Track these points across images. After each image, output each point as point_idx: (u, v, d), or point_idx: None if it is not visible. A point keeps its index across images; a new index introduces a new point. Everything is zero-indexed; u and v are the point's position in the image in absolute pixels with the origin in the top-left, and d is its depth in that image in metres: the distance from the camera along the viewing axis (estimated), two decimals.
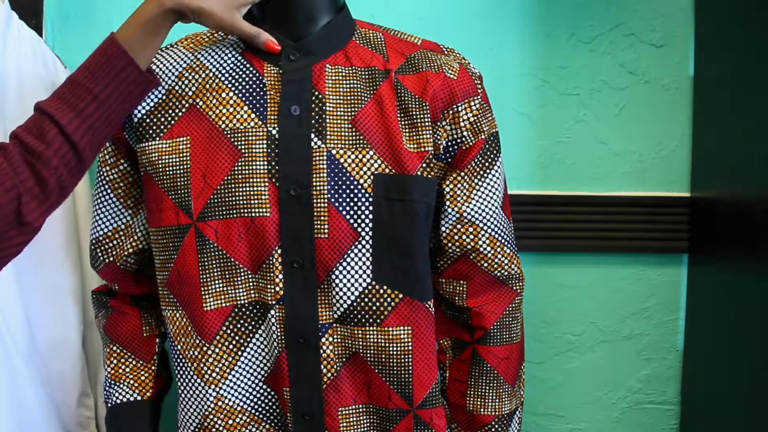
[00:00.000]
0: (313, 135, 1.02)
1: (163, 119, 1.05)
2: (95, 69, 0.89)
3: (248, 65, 1.05)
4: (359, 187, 1.01)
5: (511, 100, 1.48)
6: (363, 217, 1.02)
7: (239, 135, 1.02)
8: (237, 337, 1.05)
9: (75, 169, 0.90)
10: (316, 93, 1.03)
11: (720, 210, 1.37)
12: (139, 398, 1.15)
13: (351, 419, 1.06)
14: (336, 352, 1.04)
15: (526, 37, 1.47)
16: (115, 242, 1.13)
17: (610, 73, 1.48)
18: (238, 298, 1.04)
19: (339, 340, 1.04)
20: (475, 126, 1.07)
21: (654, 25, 1.47)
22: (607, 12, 1.47)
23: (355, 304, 1.03)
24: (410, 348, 1.06)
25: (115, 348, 1.16)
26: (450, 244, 1.09)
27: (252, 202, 1.01)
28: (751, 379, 1.24)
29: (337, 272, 1.02)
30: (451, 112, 1.06)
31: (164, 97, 1.06)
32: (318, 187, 1.01)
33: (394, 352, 1.05)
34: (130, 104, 0.92)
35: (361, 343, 1.04)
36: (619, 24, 1.47)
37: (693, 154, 1.49)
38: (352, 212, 1.02)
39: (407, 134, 1.04)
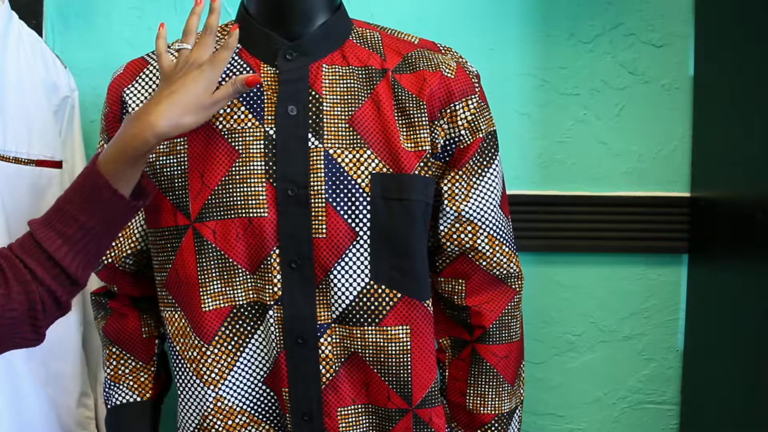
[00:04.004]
0: (310, 135, 1.02)
1: None
2: (80, 199, 0.89)
3: (245, 65, 1.05)
4: (357, 186, 1.02)
5: (511, 100, 1.48)
6: (361, 216, 1.02)
7: (236, 135, 1.02)
8: (236, 338, 1.05)
9: (71, 289, 0.90)
10: (313, 93, 1.03)
11: (720, 210, 1.37)
12: (138, 399, 1.15)
13: (350, 419, 1.06)
14: (335, 352, 1.04)
15: (526, 37, 1.47)
16: (113, 243, 1.13)
17: (610, 73, 1.48)
18: (236, 299, 1.04)
19: (338, 340, 1.04)
20: (472, 124, 1.07)
21: (654, 25, 1.47)
22: (607, 12, 1.47)
23: (353, 303, 1.03)
24: (409, 347, 1.06)
25: (114, 349, 1.16)
26: (448, 243, 1.09)
27: (250, 202, 1.01)
28: (751, 379, 1.24)
29: (335, 272, 1.02)
30: (448, 110, 1.06)
31: None
32: (316, 187, 1.01)
33: (393, 352, 1.05)
34: (117, 229, 0.92)
35: (359, 342, 1.04)
36: (619, 24, 1.47)
37: (693, 154, 1.49)
38: (350, 212, 1.02)
39: (405, 133, 1.04)
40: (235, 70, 1.05)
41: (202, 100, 0.94)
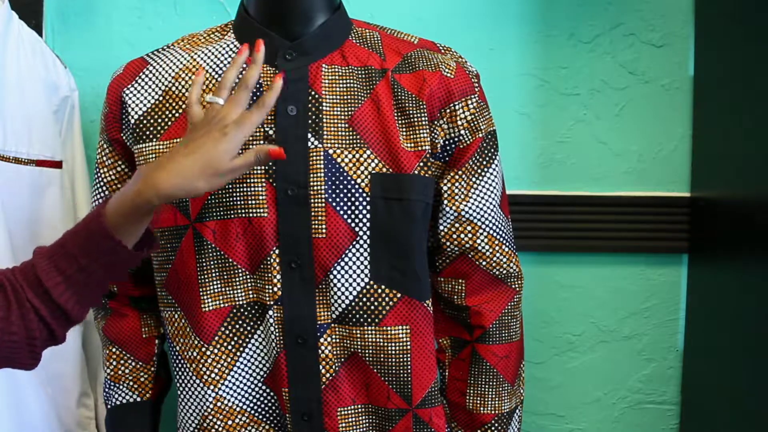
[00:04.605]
0: (310, 135, 1.02)
1: (160, 120, 1.05)
2: (82, 242, 0.87)
3: (244, 65, 1.05)
4: (356, 186, 1.02)
5: (511, 100, 1.48)
6: (360, 216, 1.02)
7: None
8: (235, 338, 1.05)
9: (66, 324, 0.89)
10: (313, 93, 1.03)
11: (720, 210, 1.37)
12: (138, 399, 1.15)
13: (350, 419, 1.06)
14: (334, 352, 1.04)
15: (526, 37, 1.47)
16: None
17: (610, 73, 1.48)
18: (236, 299, 1.04)
19: (337, 340, 1.04)
20: (472, 124, 1.07)
21: (654, 25, 1.47)
22: (607, 12, 1.47)
23: (353, 303, 1.03)
24: (409, 347, 1.06)
25: (114, 349, 1.16)
26: (448, 243, 1.09)
27: (249, 202, 1.01)
28: (751, 378, 1.24)
29: (335, 272, 1.02)
30: (448, 110, 1.06)
31: (161, 99, 1.06)
32: (315, 187, 1.01)
33: (393, 352, 1.05)
34: (120, 273, 0.90)
35: (359, 342, 1.04)
36: (619, 24, 1.47)
37: (693, 154, 1.49)
38: (349, 212, 1.02)
39: (404, 133, 1.04)
40: None
41: (218, 166, 0.88)
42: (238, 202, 1.01)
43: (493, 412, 1.13)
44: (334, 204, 1.01)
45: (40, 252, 0.89)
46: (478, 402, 1.13)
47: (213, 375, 1.06)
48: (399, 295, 1.04)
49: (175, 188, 0.86)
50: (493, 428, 1.13)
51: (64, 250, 0.87)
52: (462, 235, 1.09)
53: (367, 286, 1.03)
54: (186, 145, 0.89)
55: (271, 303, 1.02)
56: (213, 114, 0.90)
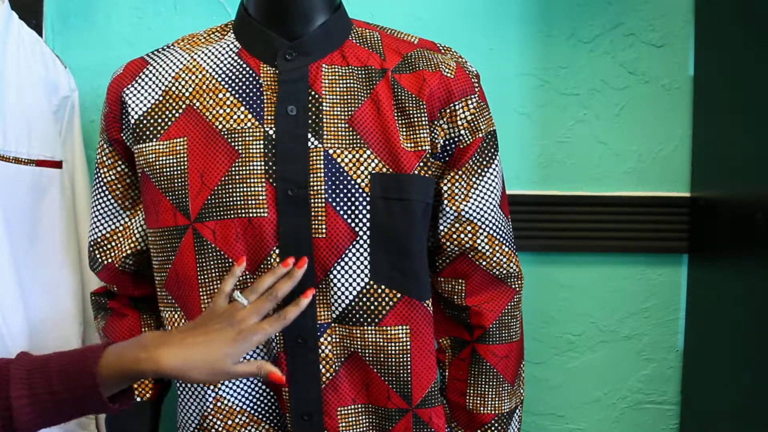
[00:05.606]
0: (310, 135, 1.02)
1: (160, 120, 1.05)
2: (67, 376, 0.88)
3: (245, 65, 1.05)
4: (356, 186, 1.02)
5: (511, 100, 1.48)
6: (360, 216, 1.02)
7: (236, 135, 1.02)
8: None
9: (9, 429, 0.89)
10: (313, 93, 1.03)
11: (720, 210, 1.37)
12: (138, 399, 1.15)
13: (350, 419, 1.06)
14: (334, 352, 1.04)
15: (526, 37, 1.47)
16: (113, 244, 1.13)
17: (610, 73, 1.48)
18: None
19: (337, 340, 1.04)
20: (472, 124, 1.07)
21: (654, 25, 1.47)
22: (607, 12, 1.47)
23: (353, 303, 1.03)
24: (409, 347, 1.06)
25: None
26: (448, 243, 1.10)
27: (249, 202, 1.01)
28: (751, 378, 1.24)
29: (335, 272, 1.02)
30: (448, 110, 1.06)
31: (161, 99, 1.06)
32: (315, 187, 1.01)
33: (393, 352, 1.05)
34: (86, 413, 0.91)
35: (359, 342, 1.04)
36: (619, 24, 1.47)
37: (693, 154, 1.49)
38: (349, 212, 1.02)
39: (404, 133, 1.04)
40: (234, 70, 1.05)
41: (219, 367, 0.92)
42: (238, 202, 1.01)
43: (493, 412, 1.13)
44: (334, 204, 1.01)
45: (21, 358, 0.90)
46: (478, 402, 1.13)
47: None
48: (399, 295, 1.04)
49: (173, 371, 0.90)
50: (493, 428, 1.13)
51: (45, 370, 0.88)
52: (462, 235, 1.09)
53: (367, 286, 1.03)
54: (197, 331, 0.93)
55: None
56: (233, 311, 0.95)
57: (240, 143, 1.02)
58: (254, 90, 1.03)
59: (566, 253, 1.50)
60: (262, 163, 1.01)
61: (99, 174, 1.12)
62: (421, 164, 1.04)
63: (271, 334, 0.96)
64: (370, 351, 1.05)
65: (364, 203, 1.02)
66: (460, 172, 1.08)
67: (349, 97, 1.04)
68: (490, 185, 1.10)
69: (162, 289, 1.08)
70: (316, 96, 1.03)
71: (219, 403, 1.06)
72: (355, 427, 1.07)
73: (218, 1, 1.46)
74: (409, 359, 1.06)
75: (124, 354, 0.89)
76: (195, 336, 0.92)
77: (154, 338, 0.91)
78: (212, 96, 1.04)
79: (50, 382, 0.87)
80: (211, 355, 0.91)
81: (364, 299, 1.03)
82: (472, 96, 1.07)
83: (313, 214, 1.01)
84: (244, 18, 1.07)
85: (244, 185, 1.01)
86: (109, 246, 1.13)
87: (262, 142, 1.02)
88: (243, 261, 1.00)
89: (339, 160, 1.02)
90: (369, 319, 1.04)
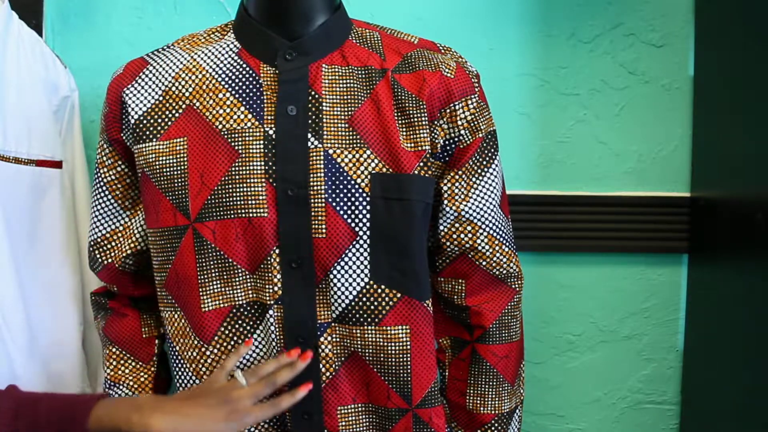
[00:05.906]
0: (310, 135, 1.02)
1: (160, 120, 1.05)
2: (57, 418, 0.89)
3: (245, 65, 1.05)
4: (356, 186, 1.02)
5: (511, 100, 1.48)
6: (360, 216, 1.02)
7: (236, 135, 1.02)
8: (235, 338, 1.05)
9: None
10: (313, 93, 1.03)
11: (720, 210, 1.37)
12: None
13: (350, 418, 1.06)
14: (335, 352, 1.04)
15: (526, 37, 1.47)
16: (113, 244, 1.13)
17: (610, 73, 1.48)
18: (236, 299, 1.04)
19: (337, 340, 1.04)
20: (472, 124, 1.07)
21: (654, 25, 1.47)
22: (607, 12, 1.47)
23: (353, 303, 1.03)
24: (409, 347, 1.06)
25: (114, 349, 1.16)
26: (448, 243, 1.10)
27: (249, 202, 1.01)
28: (751, 378, 1.24)
29: (335, 272, 1.02)
30: (448, 110, 1.06)
31: (161, 99, 1.06)
32: (315, 187, 1.01)
33: (393, 352, 1.05)
34: None
35: (359, 342, 1.04)
36: (619, 24, 1.47)
37: (693, 154, 1.49)
38: (349, 212, 1.02)
39: (404, 133, 1.04)
40: (234, 70, 1.05)
41: None
42: (238, 202, 1.01)
43: (493, 412, 1.13)
44: (334, 204, 1.01)
45: (10, 392, 0.91)
46: (478, 402, 1.13)
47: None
48: (399, 295, 1.04)
49: None
50: (493, 428, 1.13)
51: (34, 407, 0.90)
52: (462, 235, 1.09)
53: (367, 286, 1.03)
54: (192, 402, 0.94)
55: (272, 302, 1.02)
56: (230, 390, 0.97)
57: (240, 143, 1.02)
58: (254, 90, 1.03)
59: (566, 253, 1.50)
60: (262, 163, 1.01)
61: (99, 174, 1.12)
62: (421, 164, 1.04)
63: (261, 420, 0.97)
64: (370, 351, 1.05)
65: (364, 203, 1.02)
66: (460, 172, 1.08)
67: (349, 97, 1.04)
68: (490, 185, 1.10)
69: (162, 289, 1.08)
70: (316, 96, 1.03)
71: None
72: (354, 426, 1.07)
73: (218, 1, 1.46)
74: (409, 359, 1.06)
75: (117, 411, 0.91)
76: (189, 407, 0.94)
77: (149, 402, 0.93)
78: (212, 96, 1.04)
79: (36, 423, 0.89)
80: (202, 427, 0.93)
81: (364, 299, 1.03)
82: (472, 96, 1.07)
83: (313, 214, 1.01)
84: (244, 18, 1.07)
85: (244, 185, 1.01)
86: (109, 246, 1.13)
87: (262, 142, 1.02)
88: (251, 342, 1.03)
89: (339, 160, 1.02)
90: (369, 319, 1.04)
